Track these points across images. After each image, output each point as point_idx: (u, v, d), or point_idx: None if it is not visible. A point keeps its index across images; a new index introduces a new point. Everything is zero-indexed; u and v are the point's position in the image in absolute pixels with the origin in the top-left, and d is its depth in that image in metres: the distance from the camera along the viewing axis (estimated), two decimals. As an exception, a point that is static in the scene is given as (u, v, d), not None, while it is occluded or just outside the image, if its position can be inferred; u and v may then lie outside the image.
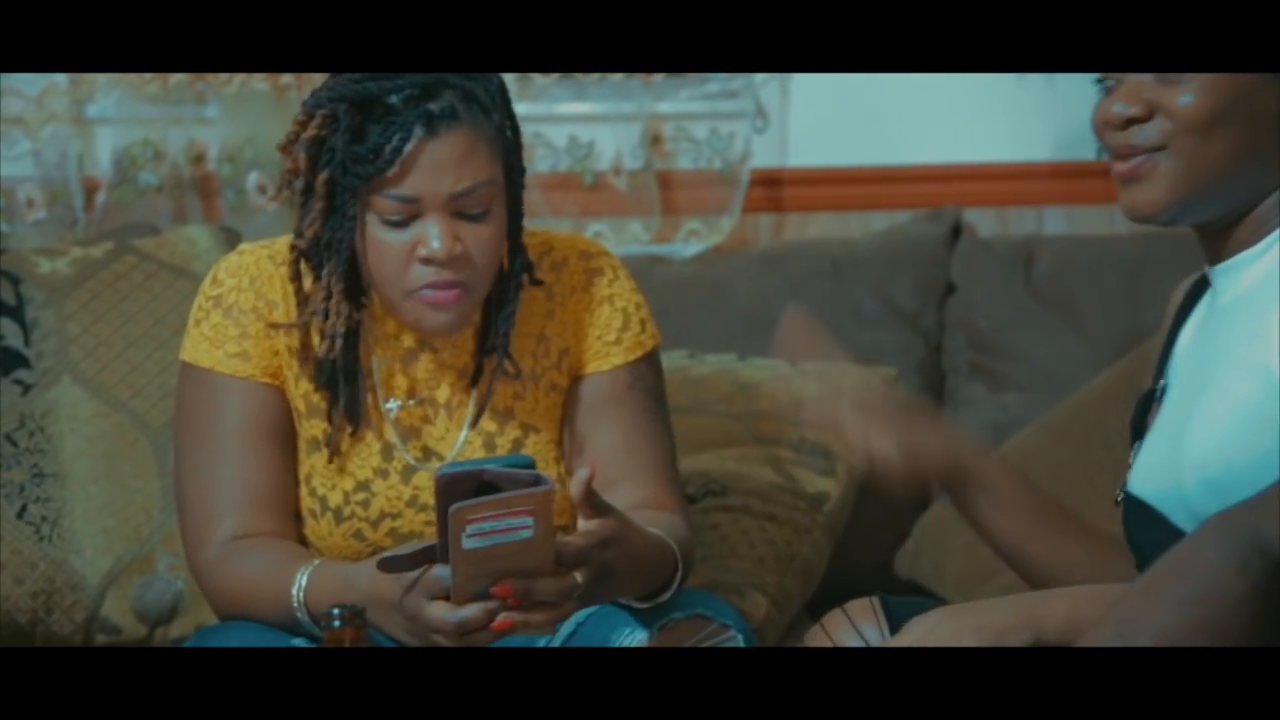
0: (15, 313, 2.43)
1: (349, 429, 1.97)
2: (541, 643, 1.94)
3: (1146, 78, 1.68)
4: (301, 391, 1.98)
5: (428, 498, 1.96)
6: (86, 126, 2.77)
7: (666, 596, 1.91)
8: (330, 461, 1.97)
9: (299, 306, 1.97)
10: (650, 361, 2.05)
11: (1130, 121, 1.69)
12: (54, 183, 2.76)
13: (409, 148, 1.88)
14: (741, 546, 2.35)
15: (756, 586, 2.30)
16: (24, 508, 2.37)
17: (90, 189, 2.78)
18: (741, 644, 1.89)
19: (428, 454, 1.99)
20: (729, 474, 2.41)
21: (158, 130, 2.78)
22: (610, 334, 2.03)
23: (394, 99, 1.89)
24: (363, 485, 1.98)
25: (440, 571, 1.71)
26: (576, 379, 2.02)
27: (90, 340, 2.45)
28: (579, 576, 1.76)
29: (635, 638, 1.88)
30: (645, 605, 1.90)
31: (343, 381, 1.96)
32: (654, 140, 2.87)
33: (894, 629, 1.78)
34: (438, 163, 1.88)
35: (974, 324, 2.72)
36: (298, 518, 2.00)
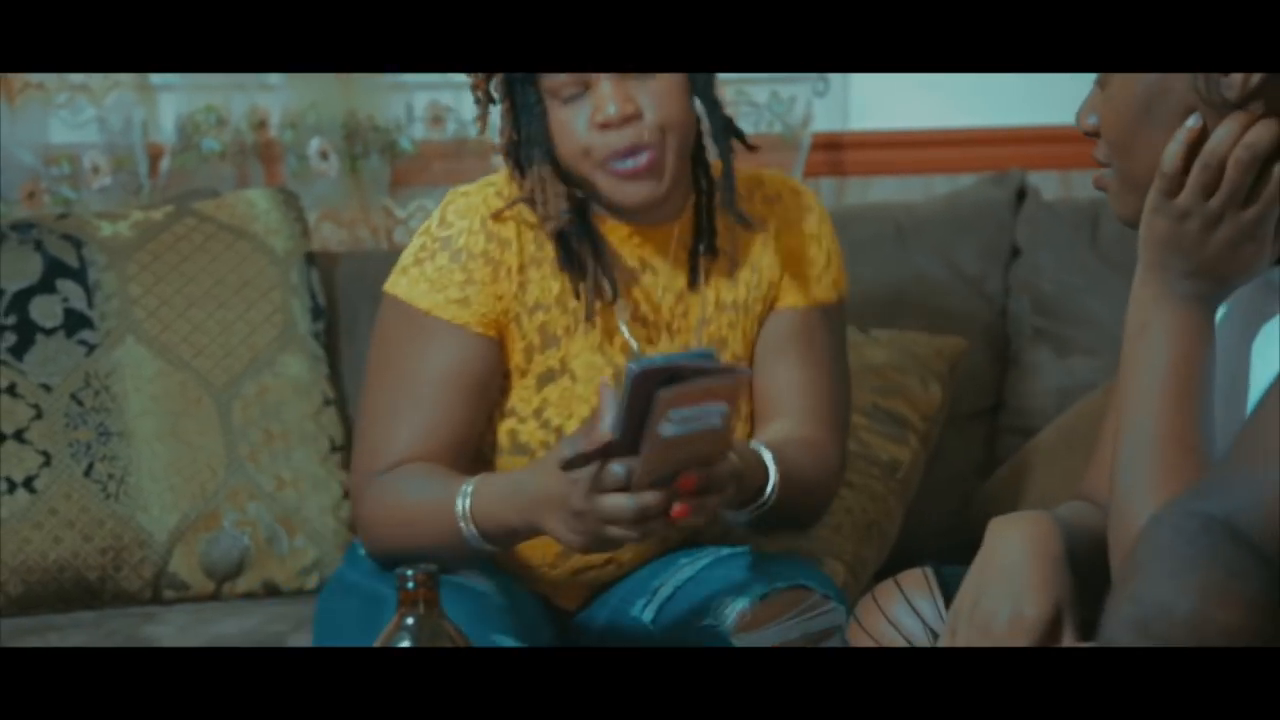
0: (78, 275, 2.45)
1: (609, 296, 1.94)
2: (635, 610, 1.94)
3: (1098, 90, 1.65)
4: (537, 324, 1.96)
5: None
6: (150, 93, 2.78)
7: (757, 506, 1.90)
8: (560, 376, 1.95)
9: (527, 199, 1.94)
10: (839, 308, 2.07)
11: (1094, 134, 1.66)
12: (119, 149, 2.78)
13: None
14: (820, 515, 2.34)
15: (835, 555, 2.29)
16: (91, 466, 2.39)
17: (154, 155, 2.79)
18: (842, 616, 1.87)
19: None
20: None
21: (220, 97, 2.79)
22: (814, 270, 2.04)
23: None
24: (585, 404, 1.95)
25: (617, 468, 1.70)
26: (772, 312, 2.03)
27: (152, 301, 2.47)
28: (734, 457, 1.77)
29: (736, 606, 1.88)
30: (742, 515, 1.90)
31: (588, 250, 1.93)
32: (715, 105, 2.86)
33: (948, 599, 1.76)
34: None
35: (1039, 288, 2.70)
36: (519, 452, 1.96)
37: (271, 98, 2.79)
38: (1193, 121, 1.59)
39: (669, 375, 1.66)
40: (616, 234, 1.98)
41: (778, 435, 1.96)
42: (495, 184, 1.98)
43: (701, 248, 1.99)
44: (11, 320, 2.42)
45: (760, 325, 2.03)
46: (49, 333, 2.42)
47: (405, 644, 1.59)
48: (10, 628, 2.31)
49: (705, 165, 2.00)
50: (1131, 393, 1.63)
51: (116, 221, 2.51)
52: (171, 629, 2.28)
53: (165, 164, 2.78)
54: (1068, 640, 1.64)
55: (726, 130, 1.97)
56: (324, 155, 2.81)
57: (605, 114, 1.89)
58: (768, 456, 1.92)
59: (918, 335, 2.56)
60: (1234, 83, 1.58)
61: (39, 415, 2.40)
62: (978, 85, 2.85)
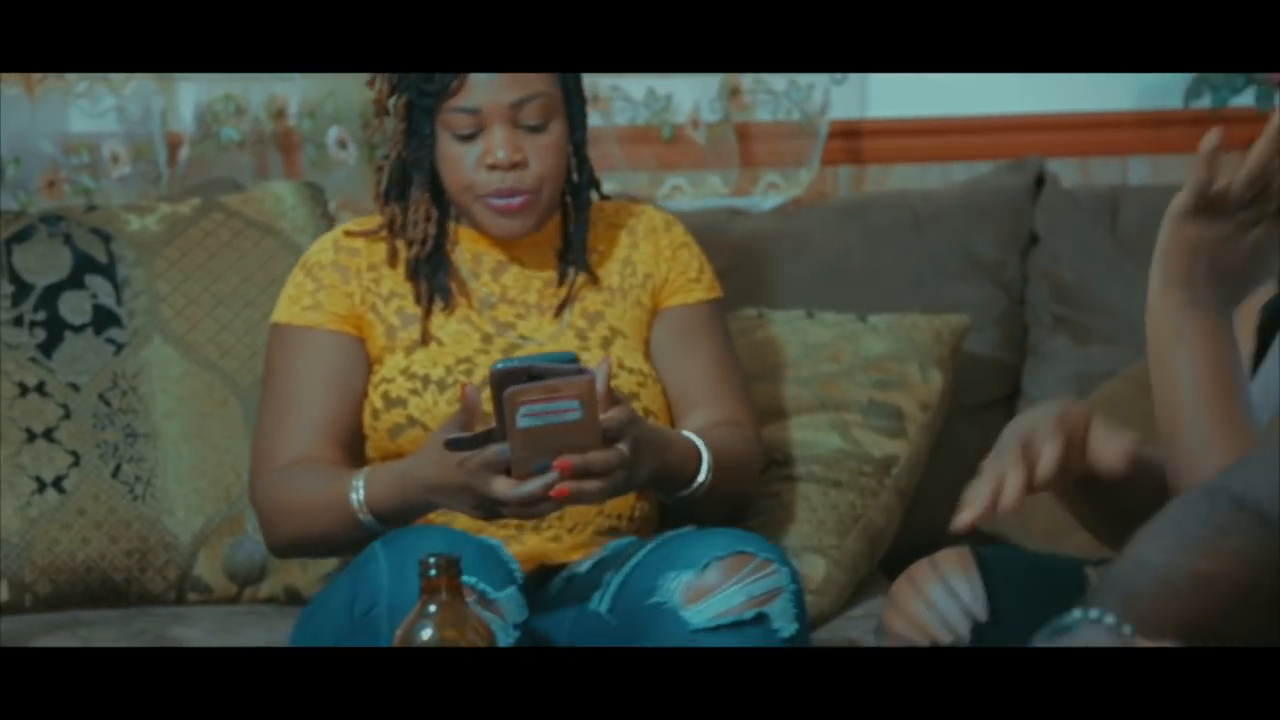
0: (107, 270, 2.45)
1: (440, 305, 2.16)
2: (593, 604, 2.00)
3: None
4: (394, 308, 2.17)
5: None
6: (169, 82, 2.78)
7: (695, 488, 2.09)
8: (425, 344, 2.14)
9: (385, 226, 2.19)
10: (721, 308, 2.28)
11: None
12: (138, 138, 2.77)
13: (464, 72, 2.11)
14: (802, 511, 2.34)
15: (814, 549, 2.29)
16: (118, 467, 2.39)
17: (173, 144, 2.79)
18: (787, 579, 1.96)
19: (524, 339, 2.17)
20: (794, 442, 2.40)
21: (239, 86, 2.78)
22: (691, 272, 2.26)
23: None
24: (465, 360, 2.14)
25: (501, 449, 1.90)
26: (661, 309, 2.24)
27: (180, 299, 2.47)
28: (623, 448, 1.93)
29: (680, 580, 1.94)
30: (681, 494, 2.09)
31: (431, 270, 2.16)
32: (732, 93, 2.85)
33: (986, 579, 1.76)
34: (496, 77, 2.11)
35: (1058, 276, 2.70)
36: (394, 406, 2.12)
37: (290, 87, 2.79)
38: (1213, 138, 1.61)
39: (525, 375, 1.89)
40: (481, 241, 2.21)
41: (703, 422, 2.17)
42: (355, 223, 2.25)
43: (569, 254, 2.21)
44: (41, 316, 2.42)
45: (648, 314, 2.22)
46: (78, 330, 2.42)
47: (428, 632, 1.59)
48: (39, 623, 2.31)
49: (571, 181, 2.21)
50: (1176, 403, 1.65)
51: (144, 215, 2.50)
52: (200, 631, 2.28)
53: (184, 153, 2.78)
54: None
55: (589, 185, 2.22)
56: (342, 144, 2.80)
57: (495, 157, 2.13)
58: (699, 442, 2.11)
59: (917, 318, 2.55)
60: None
61: (68, 415, 2.40)
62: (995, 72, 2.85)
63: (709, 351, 2.23)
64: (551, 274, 2.21)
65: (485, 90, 2.11)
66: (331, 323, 2.17)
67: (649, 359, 2.21)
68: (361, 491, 2.04)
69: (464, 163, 2.13)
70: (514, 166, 2.12)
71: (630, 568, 2.01)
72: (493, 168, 2.13)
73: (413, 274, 2.18)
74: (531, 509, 1.92)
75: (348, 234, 2.22)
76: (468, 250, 2.21)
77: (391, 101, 2.16)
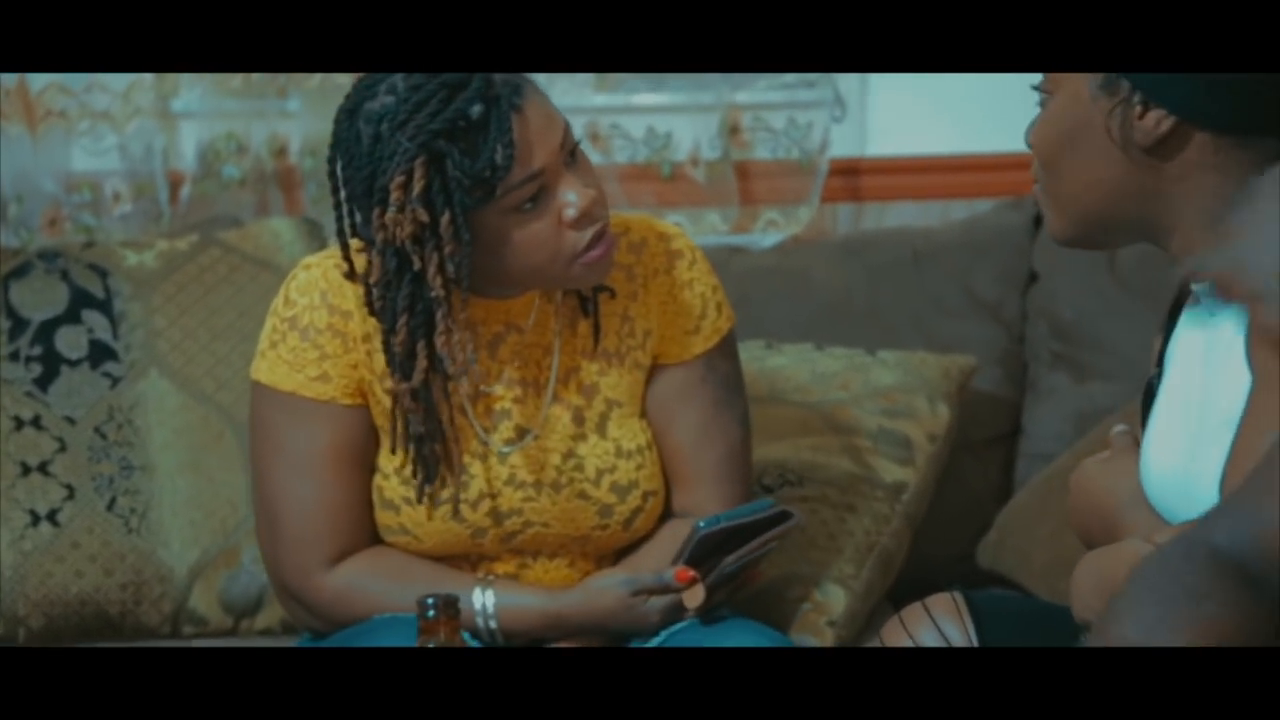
0: (104, 306, 2.47)
1: (424, 482, 2.01)
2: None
3: (1040, 112, 1.70)
4: (387, 388, 2.01)
5: (525, 475, 2.02)
6: (171, 121, 2.80)
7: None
8: (420, 501, 2.01)
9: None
10: (724, 347, 2.10)
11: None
12: (140, 176, 2.79)
13: (514, 134, 1.90)
14: (820, 538, 2.34)
15: (835, 580, 2.29)
16: (114, 500, 2.40)
17: (175, 182, 2.80)
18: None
19: (521, 433, 2.03)
20: (806, 464, 2.41)
21: (241, 124, 2.80)
22: (690, 322, 2.07)
23: (472, 110, 1.90)
24: (461, 470, 2.02)
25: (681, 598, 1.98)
26: (655, 367, 2.07)
27: (177, 333, 2.48)
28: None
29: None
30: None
31: (424, 440, 1.99)
32: (732, 130, 2.86)
33: (977, 623, 1.76)
34: (538, 127, 1.91)
35: (1057, 313, 2.70)
36: (387, 508, 2.03)
37: (291, 125, 2.80)
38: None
39: (730, 533, 1.95)
40: (478, 308, 2.00)
41: (675, 508, 2.09)
42: (334, 256, 2.01)
43: (562, 305, 2.03)
44: (37, 351, 2.43)
45: (646, 375, 2.06)
46: (74, 364, 2.43)
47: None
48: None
49: None
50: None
51: (142, 251, 2.52)
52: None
53: (186, 191, 2.79)
54: None
55: None
56: (344, 182, 2.81)
57: (577, 209, 1.92)
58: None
59: (925, 355, 2.57)
60: (1145, 127, 1.61)
61: (63, 448, 2.40)
62: (994, 110, 2.85)
63: (695, 420, 2.06)
64: (550, 341, 2.04)
65: (538, 145, 1.91)
66: (344, 396, 2.01)
67: (646, 415, 2.08)
68: (492, 603, 1.98)
69: (543, 234, 1.92)
70: (595, 204, 1.94)
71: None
72: (577, 222, 1.92)
73: (401, 416, 1.99)
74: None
75: (335, 288, 2.01)
76: (462, 320, 1.98)
77: (419, 211, 1.88)
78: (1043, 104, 1.70)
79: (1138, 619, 1.38)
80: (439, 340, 1.93)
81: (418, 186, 1.88)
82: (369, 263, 1.95)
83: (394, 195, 1.89)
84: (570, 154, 1.94)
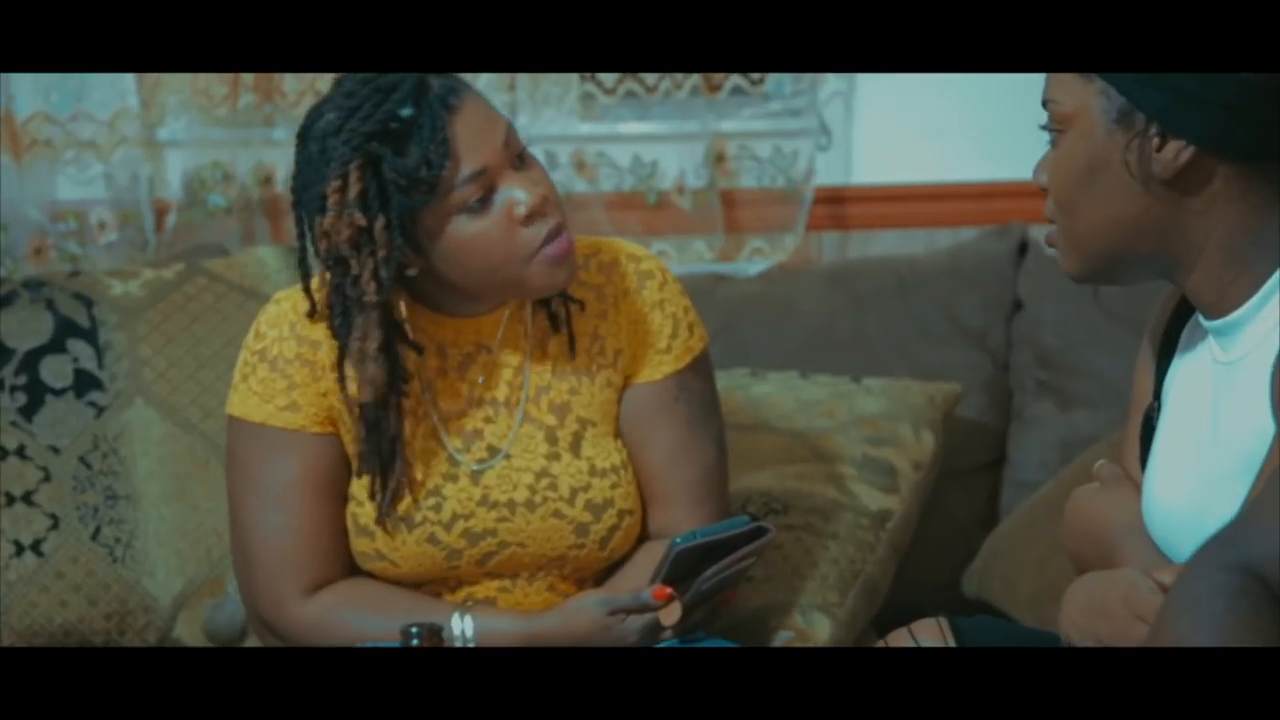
0: (89, 335, 2.46)
1: (384, 501, 2.01)
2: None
3: (1050, 151, 1.69)
4: (358, 416, 2.00)
5: (498, 495, 2.03)
6: (157, 150, 2.80)
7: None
8: (378, 521, 2.01)
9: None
10: (697, 366, 2.08)
11: (1046, 190, 1.70)
12: (125, 205, 2.79)
13: (449, 132, 1.89)
14: (804, 566, 2.34)
15: (819, 608, 2.29)
16: (98, 530, 2.39)
17: (160, 211, 2.81)
18: None
19: (493, 452, 2.03)
20: (790, 492, 2.41)
21: (226, 153, 2.80)
22: (661, 341, 2.06)
23: (403, 111, 1.89)
24: (433, 492, 2.02)
25: (659, 615, 1.96)
26: (627, 386, 2.06)
27: (162, 362, 2.48)
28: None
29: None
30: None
31: (380, 435, 1.99)
32: (717, 159, 2.87)
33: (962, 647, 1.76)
34: (476, 126, 1.90)
35: (1042, 341, 2.71)
36: (362, 534, 2.03)
37: (277, 153, 2.80)
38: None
39: (706, 549, 1.93)
40: (447, 328, 2.01)
41: (649, 529, 2.08)
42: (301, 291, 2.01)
43: (532, 324, 2.03)
44: (22, 380, 2.43)
45: (618, 392, 2.06)
46: (59, 393, 2.43)
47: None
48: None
49: None
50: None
51: (127, 280, 2.52)
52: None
53: (171, 220, 2.80)
54: None
55: None
56: (329, 210, 2.81)
57: (526, 203, 1.91)
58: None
59: (910, 383, 2.57)
60: (1164, 160, 1.61)
61: (47, 478, 2.40)
62: (979, 139, 2.87)
63: (668, 439, 2.06)
64: (520, 358, 2.04)
65: (478, 145, 1.90)
66: (314, 425, 2.01)
67: (620, 435, 2.07)
68: (471, 627, 1.97)
69: (492, 234, 1.91)
70: (545, 202, 1.92)
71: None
72: (528, 218, 1.92)
73: (363, 434, 1.99)
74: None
75: (305, 320, 2.01)
76: (432, 342, 2.01)
77: (355, 215, 1.87)
78: (1053, 142, 1.68)
79: (1194, 634, 1.37)
80: (389, 351, 1.94)
81: (354, 190, 1.88)
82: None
83: (331, 200, 1.89)
84: (518, 157, 1.93)
